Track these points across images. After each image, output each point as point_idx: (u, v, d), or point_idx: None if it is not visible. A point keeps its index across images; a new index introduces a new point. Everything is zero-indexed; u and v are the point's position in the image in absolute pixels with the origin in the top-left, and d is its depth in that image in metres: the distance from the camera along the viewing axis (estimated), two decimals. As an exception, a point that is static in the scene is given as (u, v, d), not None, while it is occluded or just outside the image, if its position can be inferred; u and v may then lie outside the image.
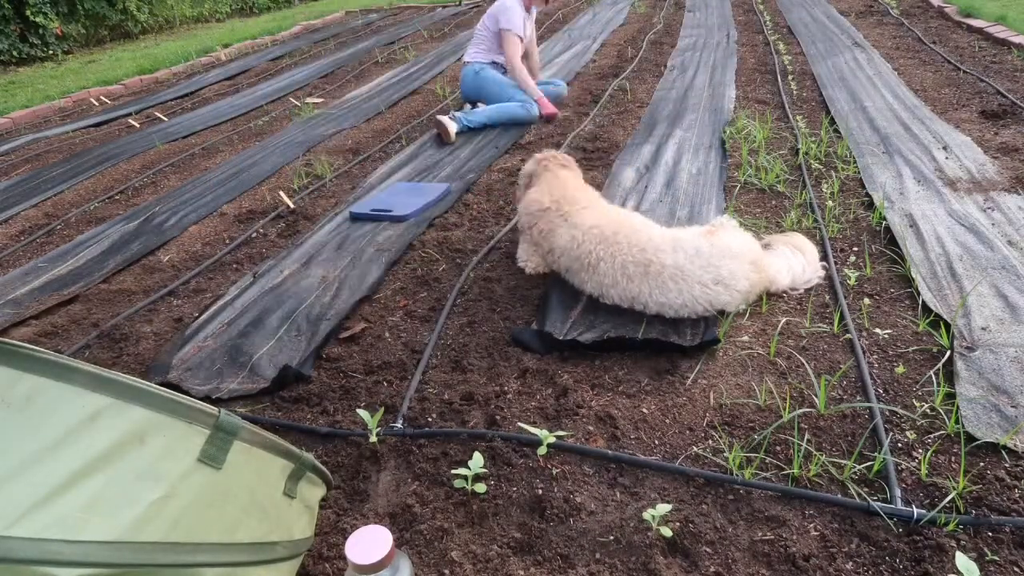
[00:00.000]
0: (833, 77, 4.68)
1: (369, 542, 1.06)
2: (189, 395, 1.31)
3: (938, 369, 1.80)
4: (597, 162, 3.58)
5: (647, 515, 1.39)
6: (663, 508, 1.39)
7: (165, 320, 2.43)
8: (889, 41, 5.56)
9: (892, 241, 2.46)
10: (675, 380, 1.86)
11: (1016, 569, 1.26)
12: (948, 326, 1.93)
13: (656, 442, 1.66)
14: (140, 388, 0.99)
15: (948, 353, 1.83)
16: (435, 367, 2.03)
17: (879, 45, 5.44)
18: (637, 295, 2.08)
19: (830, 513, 1.42)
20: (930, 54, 5.01)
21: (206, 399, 1.91)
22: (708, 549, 1.36)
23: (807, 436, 1.62)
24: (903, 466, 1.51)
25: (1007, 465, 1.49)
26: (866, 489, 1.46)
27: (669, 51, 6.03)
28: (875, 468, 1.50)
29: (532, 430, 1.65)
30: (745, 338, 2.02)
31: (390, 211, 3.08)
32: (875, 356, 1.89)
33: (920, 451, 1.55)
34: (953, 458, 1.52)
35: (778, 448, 1.60)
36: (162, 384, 1.63)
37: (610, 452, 1.61)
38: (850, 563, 1.30)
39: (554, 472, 1.57)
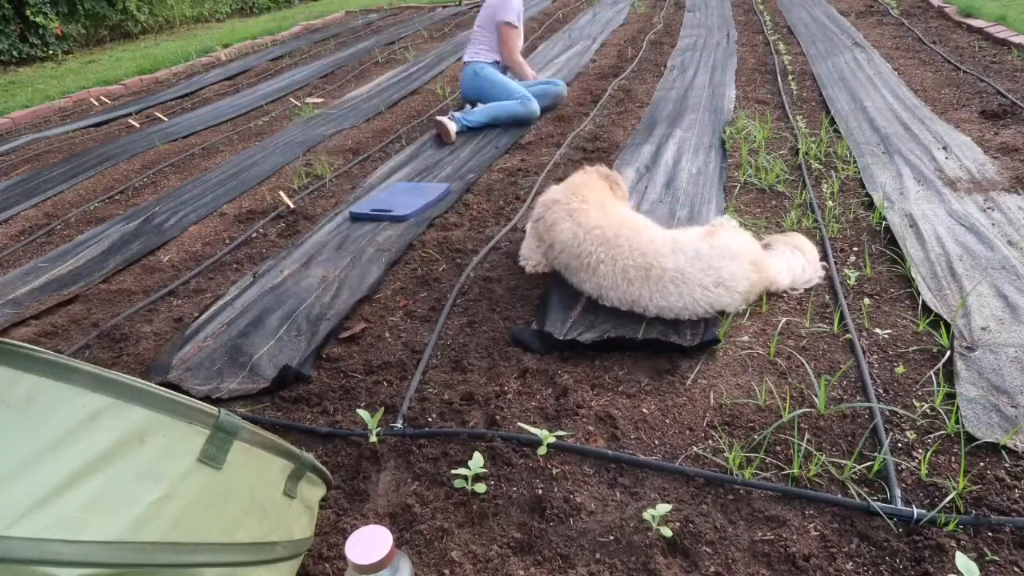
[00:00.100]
0: (833, 77, 4.68)
1: (369, 542, 1.06)
2: (189, 395, 1.31)
3: (938, 369, 1.80)
4: (597, 162, 3.56)
5: (647, 515, 1.39)
6: (663, 508, 1.39)
7: (165, 320, 2.43)
8: (889, 41, 5.56)
9: (892, 241, 2.46)
10: (675, 380, 1.87)
11: (1016, 569, 1.26)
12: (948, 326, 1.93)
13: (656, 442, 1.66)
14: (140, 388, 0.99)
15: (948, 353, 1.83)
16: (435, 367, 2.03)
17: (879, 45, 5.44)
18: (637, 298, 2.08)
19: (830, 513, 1.42)
20: (930, 54, 5.01)
21: (206, 399, 1.91)
22: (708, 549, 1.36)
23: (807, 436, 1.62)
24: (903, 466, 1.51)
25: (1007, 465, 1.49)
26: (866, 489, 1.46)
27: (669, 51, 6.03)
28: (875, 468, 1.50)
29: (532, 430, 1.65)
30: (745, 338, 2.02)
31: (390, 211, 3.08)
32: (875, 356, 1.89)
33: (920, 451, 1.55)
34: (953, 458, 1.52)
35: (778, 448, 1.60)
36: (162, 384, 1.63)
37: (610, 452, 1.61)
38: (850, 563, 1.30)
39: (554, 472, 1.57)
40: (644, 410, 1.76)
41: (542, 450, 1.62)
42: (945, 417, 1.63)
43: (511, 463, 1.61)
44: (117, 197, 3.79)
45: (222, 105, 5.67)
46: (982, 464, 1.50)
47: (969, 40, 5.25)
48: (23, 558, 0.79)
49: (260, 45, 8.57)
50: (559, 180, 2.54)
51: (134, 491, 0.93)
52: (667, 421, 1.72)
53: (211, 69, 7.38)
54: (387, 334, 2.22)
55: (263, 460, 1.19)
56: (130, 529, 0.90)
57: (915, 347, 1.90)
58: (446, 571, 1.36)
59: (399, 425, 1.76)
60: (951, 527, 1.35)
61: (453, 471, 1.58)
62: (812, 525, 1.39)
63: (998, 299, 2.05)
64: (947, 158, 3.16)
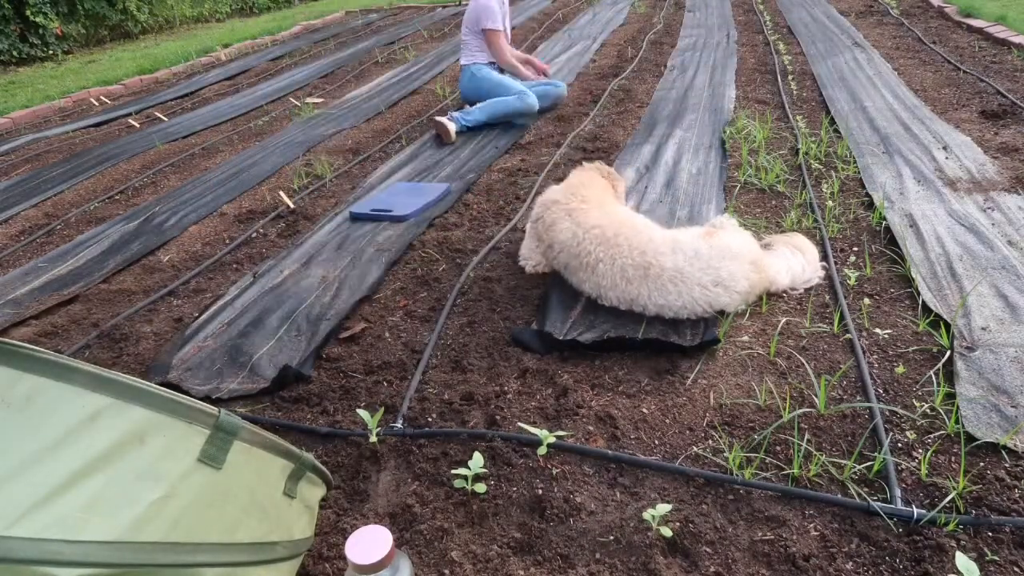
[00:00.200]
0: (833, 77, 4.68)
1: (369, 542, 1.06)
2: (189, 395, 1.31)
3: (938, 369, 1.80)
4: (597, 162, 3.58)
5: (647, 515, 1.39)
6: (663, 508, 1.39)
7: (165, 320, 2.43)
8: (889, 41, 5.56)
9: (892, 241, 2.46)
10: (675, 380, 1.86)
11: (1016, 569, 1.26)
12: (948, 326, 1.93)
13: (656, 442, 1.66)
14: (140, 388, 0.99)
15: (948, 353, 1.83)
16: (435, 367, 2.03)
17: (879, 45, 5.44)
18: (636, 297, 2.08)
19: (830, 513, 1.42)
20: (930, 54, 5.01)
21: (206, 399, 1.91)
22: (708, 549, 1.36)
23: (807, 436, 1.62)
24: (903, 466, 1.51)
25: (1007, 465, 1.49)
26: (866, 489, 1.46)
27: (669, 51, 6.03)
28: (875, 468, 1.50)
29: (532, 430, 1.65)
30: (745, 338, 2.02)
31: (390, 211, 3.08)
32: (875, 356, 1.89)
33: (920, 451, 1.55)
34: (953, 458, 1.52)
35: (778, 448, 1.60)
36: (162, 384, 1.63)
37: (610, 452, 1.61)
38: (850, 563, 1.30)
39: (554, 472, 1.57)
40: (644, 410, 1.76)
41: (542, 450, 1.62)
42: (945, 417, 1.63)
43: (511, 463, 1.61)
44: (117, 197, 3.79)
45: (222, 105, 5.66)
46: (982, 464, 1.50)
47: (969, 40, 5.25)
48: (23, 558, 0.79)
49: (260, 45, 8.57)
50: (559, 180, 2.55)
51: (134, 491, 0.93)
52: (667, 421, 1.72)
53: (211, 69, 7.38)
54: (387, 334, 2.22)
55: (263, 460, 1.19)
56: (130, 529, 0.90)
57: (915, 347, 1.90)
58: (446, 571, 1.36)
59: (399, 425, 1.76)
60: (951, 527, 1.35)
61: (453, 471, 1.58)
62: (812, 525, 1.39)
63: (998, 299, 2.05)
64: (947, 158, 3.16)
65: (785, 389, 1.79)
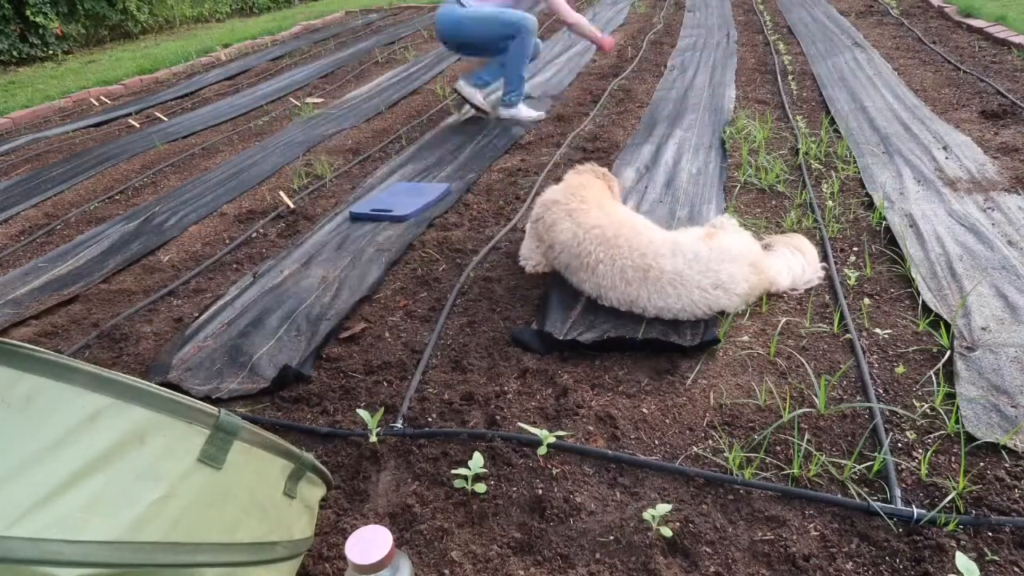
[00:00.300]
0: (833, 77, 4.68)
1: (369, 542, 1.06)
2: (189, 395, 1.31)
3: (938, 369, 1.80)
4: (597, 162, 3.57)
5: (647, 515, 1.39)
6: (663, 508, 1.39)
7: (165, 320, 2.43)
8: (889, 41, 5.56)
9: (892, 241, 2.46)
10: (675, 380, 1.86)
11: (1016, 569, 1.26)
12: (948, 326, 1.93)
13: (656, 442, 1.66)
14: (140, 388, 0.99)
15: (948, 353, 1.83)
16: (435, 367, 2.03)
17: (879, 45, 5.44)
18: (636, 299, 2.08)
19: (830, 513, 1.42)
20: (930, 54, 5.01)
21: (206, 399, 1.91)
22: (708, 549, 1.36)
23: (807, 436, 1.62)
24: (903, 466, 1.51)
25: (1007, 465, 1.49)
26: (866, 489, 1.46)
27: (669, 51, 6.03)
28: (875, 468, 1.50)
29: (532, 430, 1.65)
30: (745, 338, 2.02)
31: (390, 211, 3.08)
32: (875, 356, 1.89)
33: (920, 451, 1.55)
34: (953, 458, 1.52)
35: (778, 448, 1.60)
36: (162, 384, 1.63)
37: (610, 452, 1.61)
38: (850, 563, 1.30)
39: (554, 472, 1.57)
40: (644, 410, 1.76)
41: (542, 450, 1.62)
42: (945, 417, 1.63)
43: (511, 463, 1.61)
44: (117, 197, 3.79)
45: (222, 105, 5.66)
46: (982, 464, 1.50)
47: (969, 40, 5.25)
48: (23, 558, 0.79)
49: (260, 45, 8.57)
50: (559, 180, 2.54)
51: (134, 491, 0.93)
52: (667, 421, 1.72)
53: (211, 69, 7.38)
54: (387, 334, 2.22)
55: (263, 460, 1.19)
56: (130, 529, 0.90)
57: (915, 347, 1.90)
58: (446, 571, 1.36)
59: (399, 425, 1.76)
60: (951, 527, 1.35)
61: (453, 471, 1.58)
62: (812, 525, 1.39)
63: (998, 299, 2.05)
64: (947, 158, 3.16)
65: (785, 389, 1.79)
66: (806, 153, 3.34)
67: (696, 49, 5.97)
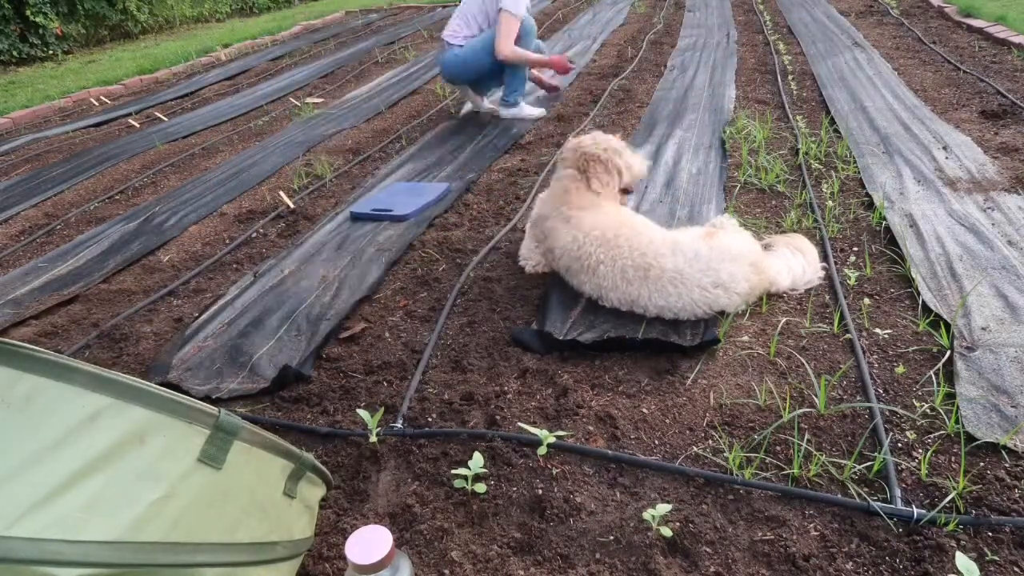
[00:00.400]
0: (833, 77, 4.68)
1: (369, 542, 1.06)
2: (189, 395, 1.31)
3: (938, 369, 1.80)
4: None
5: (647, 515, 1.39)
6: (663, 508, 1.39)
7: (165, 320, 2.43)
8: (889, 41, 5.56)
9: (892, 241, 2.46)
10: (675, 380, 1.86)
11: (1016, 569, 1.26)
12: (948, 326, 1.93)
13: (656, 442, 1.66)
14: (140, 388, 0.99)
15: (948, 353, 1.83)
16: (435, 367, 2.03)
17: (879, 45, 5.44)
18: (636, 298, 2.08)
19: (830, 513, 1.42)
20: (930, 54, 5.01)
21: (206, 399, 1.91)
22: (708, 549, 1.36)
23: (807, 436, 1.62)
24: (903, 466, 1.51)
25: (1007, 465, 1.49)
26: (866, 489, 1.46)
27: (669, 51, 6.03)
28: (875, 468, 1.50)
29: (532, 430, 1.65)
30: (745, 338, 2.02)
31: (390, 211, 3.08)
32: (875, 356, 1.89)
33: (920, 451, 1.55)
34: (953, 458, 1.52)
35: (778, 448, 1.60)
36: (162, 384, 1.63)
37: (610, 452, 1.61)
38: (850, 563, 1.30)
39: (554, 472, 1.57)
40: (644, 410, 1.76)
41: (542, 450, 1.62)
42: (945, 417, 1.63)
43: (511, 463, 1.61)
44: (117, 197, 3.79)
45: (222, 105, 5.66)
46: (982, 464, 1.50)
47: (969, 40, 5.25)
48: (23, 558, 0.79)
49: (260, 45, 8.57)
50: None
51: (134, 491, 0.93)
52: (667, 421, 1.72)
53: (211, 69, 7.38)
54: (387, 334, 2.22)
55: (263, 460, 1.19)
56: (130, 529, 0.90)
57: (915, 347, 1.90)
58: (446, 571, 1.36)
59: (399, 425, 1.76)
60: (951, 527, 1.35)
61: (453, 471, 1.58)
62: (812, 525, 1.39)
63: (998, 299, 2.05)
64: (947, 158, 3.16)
65: (785, 389, 1.79)
66: (806, 153, 3.34)
67: (696, 49, 5.97)
